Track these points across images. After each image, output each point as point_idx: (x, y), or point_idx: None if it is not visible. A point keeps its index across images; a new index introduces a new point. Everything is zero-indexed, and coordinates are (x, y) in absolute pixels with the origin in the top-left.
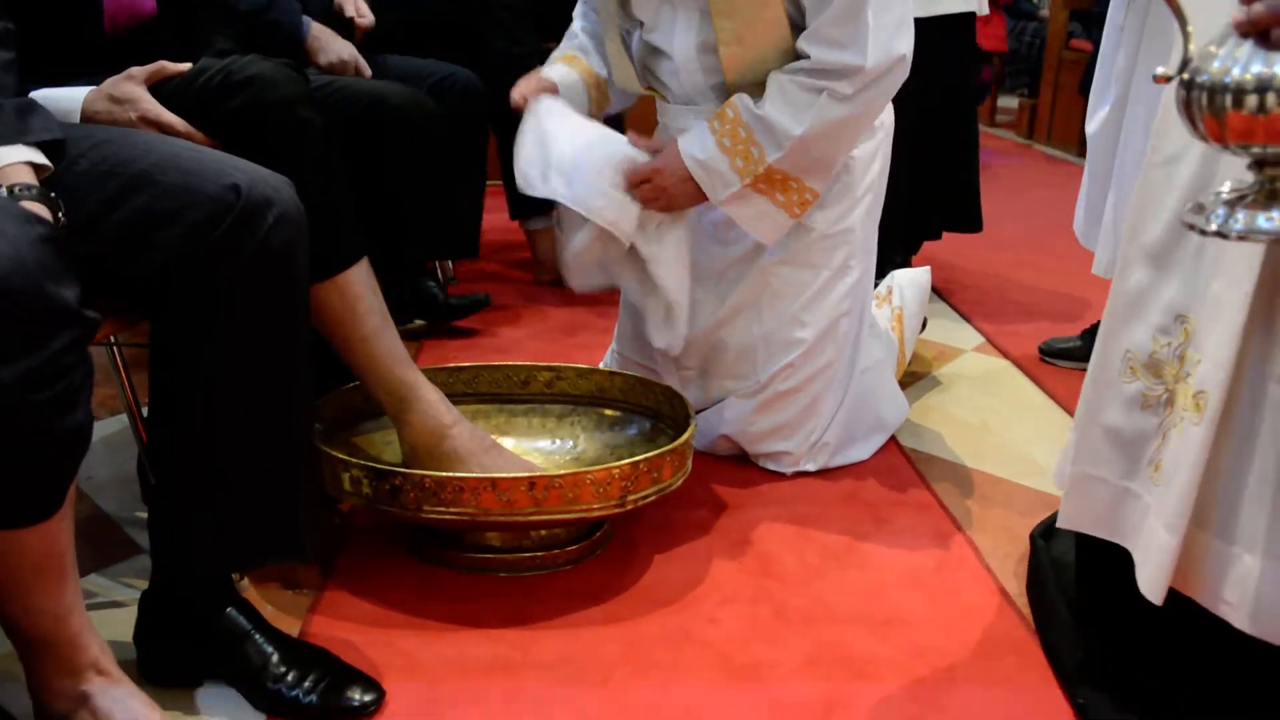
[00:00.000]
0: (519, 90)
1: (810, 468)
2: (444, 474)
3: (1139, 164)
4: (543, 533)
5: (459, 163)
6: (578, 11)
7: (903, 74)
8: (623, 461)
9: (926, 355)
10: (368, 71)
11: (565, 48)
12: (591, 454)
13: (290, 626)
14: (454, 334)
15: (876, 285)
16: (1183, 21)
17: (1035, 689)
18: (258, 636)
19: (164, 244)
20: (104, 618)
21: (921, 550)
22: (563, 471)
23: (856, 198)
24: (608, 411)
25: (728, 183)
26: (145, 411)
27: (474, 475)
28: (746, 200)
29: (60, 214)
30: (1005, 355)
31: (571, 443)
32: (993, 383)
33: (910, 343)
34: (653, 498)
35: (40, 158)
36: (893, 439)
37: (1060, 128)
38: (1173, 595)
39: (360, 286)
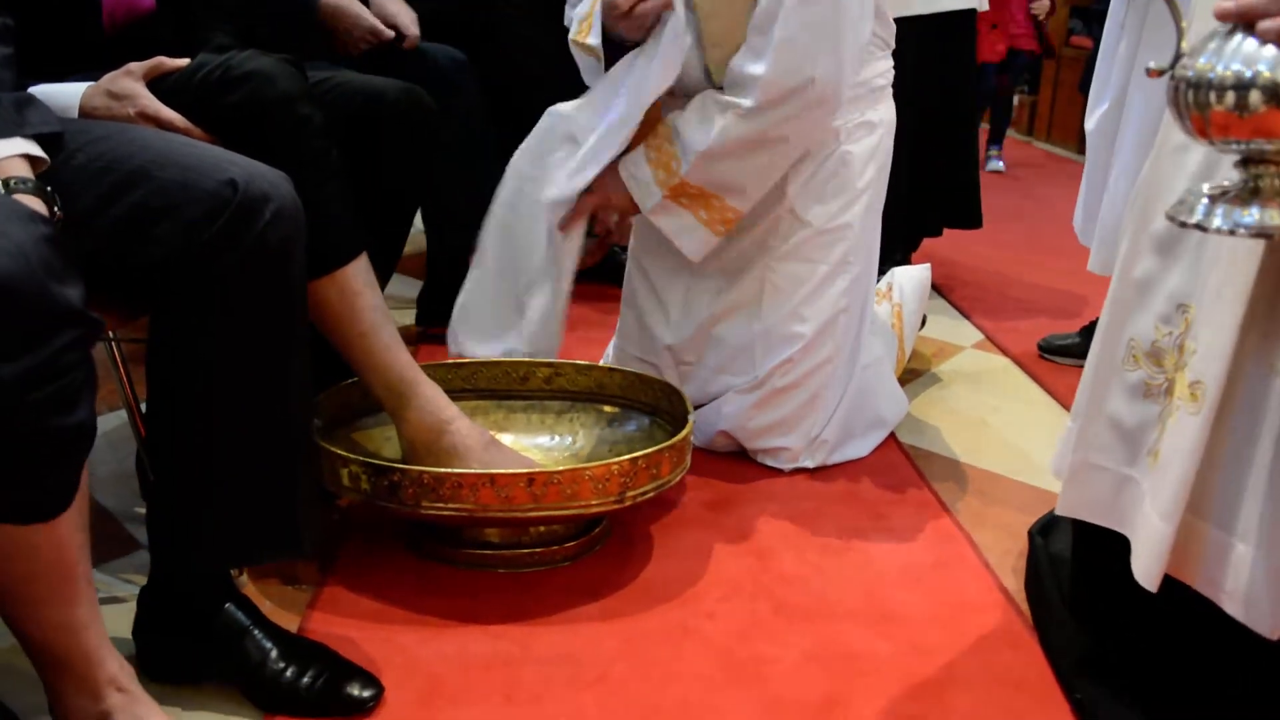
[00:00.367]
0: None
1: (809, 464)
2: (442, 470)
3: (1137, 160)
4: (541, 529)
5: (458, 155)
6: None
7: (818, 102)
8: (621, 457)
9: (926, 352)
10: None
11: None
12: (590, 450)
13: (289, 622)
14: None
15: (877, 283)
16: (1178, 17)
17: (1033, 685)
18: (256, 632)
19: (161, 239)
20: (103, 613)
21: (920, 547)
22: (561, 467)
23: (853, 194)
24: (607, 407)
25: (651, 194)
26: (144, 407)
27: (473, 471)
28: (671, 212)
29: (56, 208)
30: (1004, 352)
31: (570, 439)
32: (992, 380)
33: (910, 339)
34: (651, 494)
35: (37, 150)
36: (892, 436)
37: (1060, 125)
38: (1170, 589)
39: (359, 283)
